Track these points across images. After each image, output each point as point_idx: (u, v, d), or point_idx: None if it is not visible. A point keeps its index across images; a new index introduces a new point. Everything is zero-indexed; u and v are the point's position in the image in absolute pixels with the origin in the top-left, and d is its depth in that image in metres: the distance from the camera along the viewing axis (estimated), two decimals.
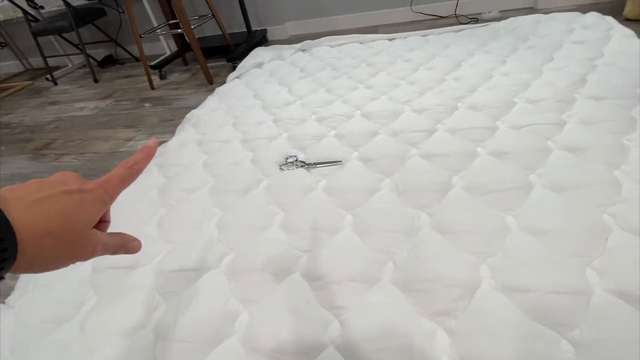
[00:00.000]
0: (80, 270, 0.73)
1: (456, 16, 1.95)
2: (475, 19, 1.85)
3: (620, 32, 1.26)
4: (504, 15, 1.79)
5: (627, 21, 1.47)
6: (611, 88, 0.95)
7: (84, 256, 0.27)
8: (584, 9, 1.51)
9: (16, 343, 0.63)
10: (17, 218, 0.22)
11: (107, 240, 0.29)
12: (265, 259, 0.66)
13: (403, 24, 2.07)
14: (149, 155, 0.32)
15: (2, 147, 1.60)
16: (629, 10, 1.51)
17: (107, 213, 0.31)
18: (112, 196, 0.29)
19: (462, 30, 1.60)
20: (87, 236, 0.26)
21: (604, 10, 1.45)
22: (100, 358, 0.56)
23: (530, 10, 1.86)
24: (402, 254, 0.63)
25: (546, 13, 1.55)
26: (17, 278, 0.78)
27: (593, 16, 1.41)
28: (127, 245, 0.32)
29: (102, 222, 0.31)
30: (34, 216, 0.23)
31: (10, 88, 2.46)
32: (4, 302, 0.72)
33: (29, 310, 0.68)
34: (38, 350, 0.60)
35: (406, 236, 0.66)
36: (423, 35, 1.62)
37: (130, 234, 0.33)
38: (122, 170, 0.30)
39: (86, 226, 0.26)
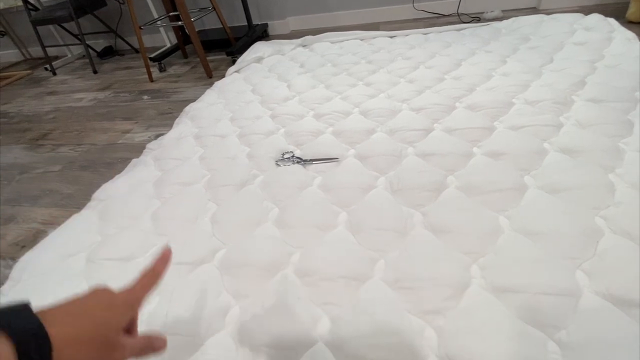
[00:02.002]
0: (74, 261, 0.73)
1: (458, 15, 1.94)
2: (477, 18, 1.84)
3: (622, 34, 1.26)
4: (506, 15, 1.79)
5: (629, 23, 1.47)
6: (610, 91, 0.95)
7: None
8: (586, 10, 1.51)
9: None
10: (52, 327, 0.24)
11: (134, 344, 0.31)
12: (258, 255, 0.66)
13: (405, 21, 2.06)
14: (166, 259, 0.36)
15: (0, 137, 1.60)
16: (631, 12, 1.50)
17: (134, 326, 0.33)
18: (139, 301, 0.32)
19: (464, 29, 1.59)
20: (116, 343, 0.28)
21: (607, 12, 1.45)
22: None
23: (533, 10, 1.85)
24: (394, 253, 0.63)
25: (549, 14, 1.54)
26: (11, 267, 0.78)
27: (595, 18, 1.41)
28: (153, 345, 0.33)
29: (131, 332, 0.33)
30: (67, 326, 0.26)
31: (9, 77, 2.44)
32: None
33: (23, 299, 0.68)
34: None
35: (399, 235, 0.66)
36: (424, 34, 1.61)
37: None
38: (143, 278, 0.34)
39: (114, 335, 0.28)
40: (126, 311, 0.30)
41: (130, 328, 0.32)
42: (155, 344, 0.33)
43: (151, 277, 0.34)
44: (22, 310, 0.25)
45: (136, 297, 0.32)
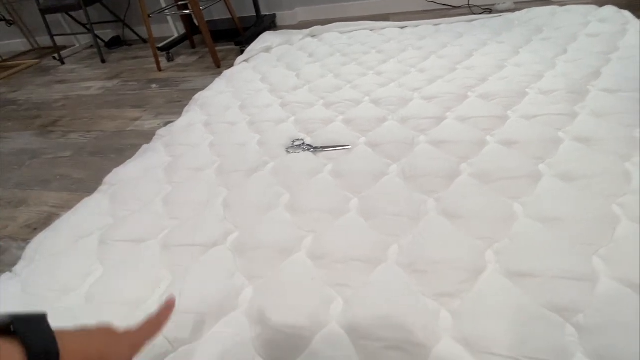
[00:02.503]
0: (86, 242, 0.74)
1: (469, 6, 1.91)
2: (489, 10, 1.82)
3: (637, 26, 1.24)
4: (518, 6, 1.76)
5: None
6: (625, 81, 0.94)
7: None
8: (600, 2, 1.48)
9: (22, 310, 0.63)
10: (62, 346, 0.26)
11: (142, 332, 0.35)
12: (270, 238, 0.66)
13: (415, 12, 2.04)
14: (170, 308, 0.39)
15: (10, 123, 1.61)
16: None
17: None
18: (140, 345, 0.34)
19: (475, 20, 1.58)
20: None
21: (622, 4, 1.42)
22: None
23: (546, 2, 1.82)
24: (407, 237, 0.63)
25: (562, 5, 1.52)
26: (23, 248, 0.79)
27: (609, 9, 1.38)
28: (159, 318, 0.37)
29: None
30: (76, 348, 0.28)
31: (18, 66, 2.45)
32: (10, 271, 0.73)
33: (36, 279, 0.69)
34: None
35: (412, 220, 0.66)
36: (435, 25, 1.60)
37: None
38: (147, 324, 0.36)
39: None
40: (128, 351, 0.32)
41: None
42: (160, 316, 0.37)
43: (155, 324, 0.36)
44: (40, 322, 0.26)
45: (139, 341, 0.34)
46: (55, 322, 0.60)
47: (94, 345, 0.29)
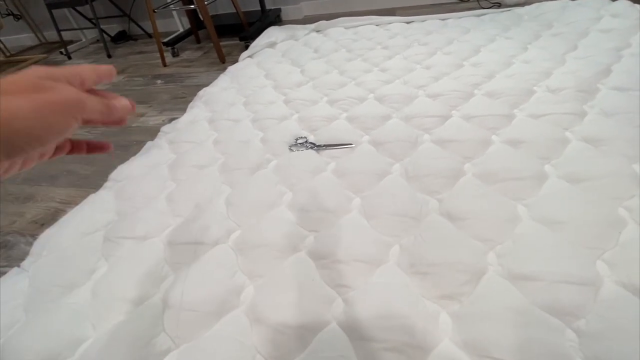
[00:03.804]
0: (92, 239, 0.75)
1: (478, 0, 1.87)
2: (497, 4, 1.79)
3: None
4: (528, 0, 1.72)
5: None
6: (636, 80, 0.91)
7: (73, 102, 0.24)
8: None
9: (30, 305, 0.65)
10: None
11: (94, 98, 0.26)
12: (272, 237, 0.67)
13: (422, 7, 2.00)
14: (110, 70, 0.30)
15: None
16: None
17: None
18: (75, 71, 0.26)
19: (484, 14, 1.55)
20: (59, 82, 0.24)
21: None
22: (110, 322, 0.58)
23: None
24: (409, 238, 0.63)
25: None
26: (31, 244, 0.80)
27: (623, 4, 1.34)
28: (113, 103, 0.28)
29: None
30: None
31: (25, 61, 2.47)
32: (19, 266, 0.75)
33: (43, 274, 0.70)
34: (51, 313, 0.62)
35: (414, 221, 0.66)
36: (442, 19, 1.57)
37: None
38: (82, 67, 0.27)
39: (46, 75, 0.24)
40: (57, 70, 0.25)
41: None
42: (114, 101, 0.28)
43: (90, 69, 0.28)
44: None
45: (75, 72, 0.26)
46: (61, 318, 0.62)
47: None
